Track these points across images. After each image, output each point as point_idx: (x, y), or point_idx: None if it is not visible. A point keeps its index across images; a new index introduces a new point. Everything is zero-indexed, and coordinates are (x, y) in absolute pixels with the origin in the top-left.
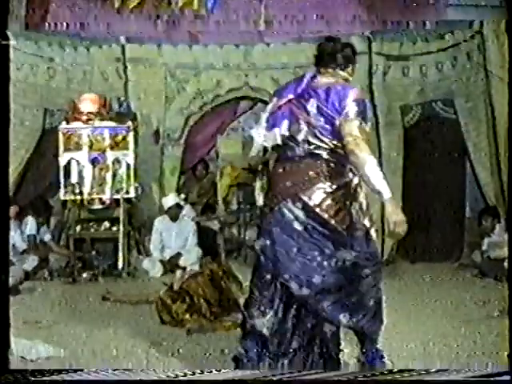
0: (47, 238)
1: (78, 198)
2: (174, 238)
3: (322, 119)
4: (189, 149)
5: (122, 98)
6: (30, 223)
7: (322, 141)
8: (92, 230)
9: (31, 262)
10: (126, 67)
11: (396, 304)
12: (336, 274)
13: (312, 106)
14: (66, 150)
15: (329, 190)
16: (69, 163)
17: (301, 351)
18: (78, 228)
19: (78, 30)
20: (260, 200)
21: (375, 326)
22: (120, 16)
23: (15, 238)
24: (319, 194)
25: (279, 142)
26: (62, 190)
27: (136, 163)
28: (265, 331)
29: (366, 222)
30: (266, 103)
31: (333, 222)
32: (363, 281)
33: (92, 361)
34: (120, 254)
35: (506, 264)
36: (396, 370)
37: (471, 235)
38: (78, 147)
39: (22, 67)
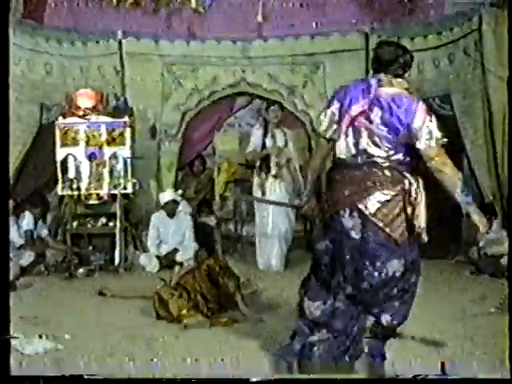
0: (44, 233)
1: (76, 193)
2: (172, 233)
3: (385, 129)
4: (186, 144)
5: (119, 94)
6: (27, 218)
7: (382, 149)
8: (89, 225)
9: (28, 257)
10: (123, 62)
11: None
12: (385, 285)
13: (376, 115)
14: (63, 145)
15: (385, 198)
16: (66, 158)
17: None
18: (75, 223)
19: (76, 25)
20: (258, 195)
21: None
22: (117, 11)
23: (12, 233)
24: (375, 203)
25: (354, 152)
26: (59, 186)
27: (133, 159)
28: (314, 315)
29: (422, 224)
30: (263, 99)
31: (388, 230)
32: (409, 288)
33: (88, 356)
34: (117, 250)
35: (502, 261)
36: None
37: (468, 232)
38: (75, 142)
39: (19, 62)
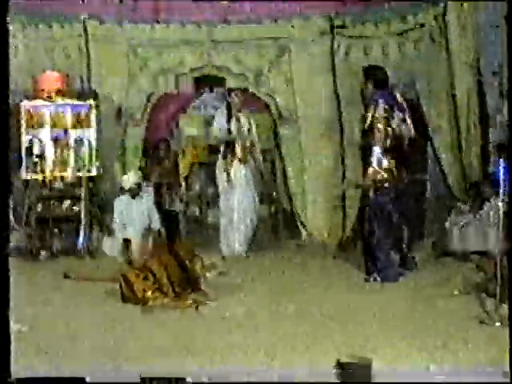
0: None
1: (40, 176)
2: (136, 215)
3: None
4: (151, 128)
5: (85, 77)
6: None
7: None
8: (53, 208)
9: None
10: (88, 45)
11: (355, 281)
12: None
13: None
14: (28, 127)
15: None
16: (31, 141)
17: None
18: (40, 206)
19: (40, 7)
20: (223, 179)
21: None
22: None
23: None
24: None
25: None
26: (23, 168)
27: (98, 142)
28: None
29: None
30: (225, 86)
31: None
32: None
33: (53, 339)
34: (81, 233)
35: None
36: None
37: (431, 215)
38: (40, 125)
39: None
